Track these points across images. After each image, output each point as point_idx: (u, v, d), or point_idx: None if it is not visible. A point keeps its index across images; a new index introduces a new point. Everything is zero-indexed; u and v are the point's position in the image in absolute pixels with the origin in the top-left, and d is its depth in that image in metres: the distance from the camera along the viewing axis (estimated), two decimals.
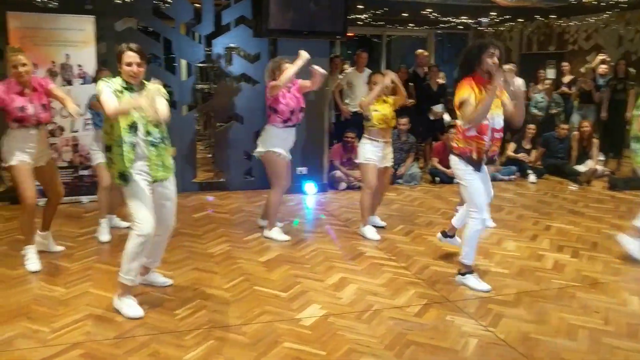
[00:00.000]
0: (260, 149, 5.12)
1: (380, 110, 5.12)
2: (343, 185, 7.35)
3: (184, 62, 7.86)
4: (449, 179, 7.76)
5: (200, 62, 7.35)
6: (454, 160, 4.10)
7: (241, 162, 7.17)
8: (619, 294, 4.10)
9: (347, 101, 7.96)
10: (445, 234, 4.67)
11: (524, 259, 4.79)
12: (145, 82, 3.61)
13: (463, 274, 4.21)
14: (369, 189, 5.26)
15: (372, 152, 5.17)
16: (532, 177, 8.07)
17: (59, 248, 4.75)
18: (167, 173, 3.66)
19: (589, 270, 4.57)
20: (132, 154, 3.47)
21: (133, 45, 3.51)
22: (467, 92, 3.90)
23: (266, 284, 4.17)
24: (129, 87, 3.51)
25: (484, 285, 4.12)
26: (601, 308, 3.86)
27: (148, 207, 3.53)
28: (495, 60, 3.90)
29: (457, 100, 3.96)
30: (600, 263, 4.73)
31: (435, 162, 7.91)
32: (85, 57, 6.14)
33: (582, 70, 9.72)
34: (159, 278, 4.09)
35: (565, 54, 12.70)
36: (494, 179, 7.84)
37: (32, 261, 4.35)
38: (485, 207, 4.12)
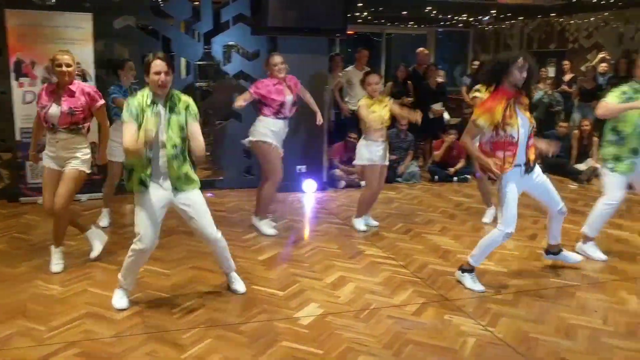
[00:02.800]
0: (250, 137, 5.22)
1: (377, 112, 5.18)
2: (342, 183, 7.34)
3: (183, 60, 7.83)
4: (448, 178, 7.76)
5: (199, 60, 7.34)
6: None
7: (240, 160, 7.15)
8: (617, 293, 4.09)
9: (347, 99, 7.95)
10: (548, 252, 4.60)
11: (523, 258, 4.78)
12: (176, 92, 3.59)
13: (463, 271, 4.20)
14: (371, 189, 5.38)
15: (374, 153, 5.24)
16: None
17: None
18: (192, 185, 3.64)
19: (588, 269, 4.56)
20: (150, 168, 3.49)
21: (160, 54, 3.51)
22: (478, 113, 3.87)
23: (264, 282, 4.16)
24: (153, 102, 3.47)
25: (478, 286, 4.11)
26: (600, 307, 3.85)
27: (153, 222, 3.52)
28: (525, 74, 3.81)
29: (474, 116, 3.90)
30: (599, 262, 4.71)
31: (436, 155, 7.90)
32: (84, 55, 6.12)
33: (583, 68, 9.71)
34: (232, 284, 3.99)
35: (566, 52, 12.69)
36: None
37: (55, 262, 4.32)
38: (513, 223, 3.97)
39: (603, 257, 4.74)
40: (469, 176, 7.92)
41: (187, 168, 3.61)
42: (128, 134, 3.41)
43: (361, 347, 3.26)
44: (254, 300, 3.84)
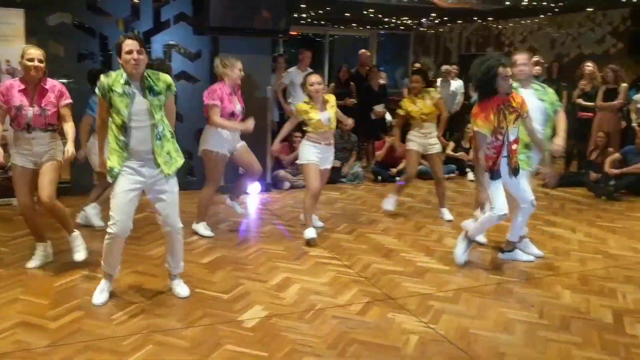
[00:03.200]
0: (200, 147, 5.21)
1: (315, 118, 5.03)
2: (287, 184, 7.32)
3: None
4: (391, 178, 7.87)
5: None
6: None
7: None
8: (552, 287, 4.25)
9: (290, 100, 7.93)
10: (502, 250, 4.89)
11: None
12: (152, 72, 3.60)
13: (469, 242, 4.62)
14: (311, 190, 5.16)
15: (312, 153, 5.09)
16: (470, 175, 8.27)
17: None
18: (176, 164, 3.74)
19: (524, 265, 4.71)
20: (125, 152, 3.53)
21: (130, 34, 3.61)
22: (482, 124, 4.21)
23: (207, 286, 4.09)
24: (127, 82, 3.49)
25: (528, 256, 4.70)
26: (536, 302, 3.99)
27: (126, 207, 3.57)
28: (511, 81, 4.17)
29: (473, 127, 4.35)
30: (535, 258, 4.87)
31: (379, 156, 8.01)
32: (14, 52, 5.83)
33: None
34: (176, 287, 3.92)
35: (475, 63, 13.09)
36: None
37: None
38: (504, 207, 4.34)
39: (530, 257, 4.85)
40: None
41: (171, 147, 3.68)
42: (99, 111, 3.66)
43: (306, 348, 3.25)
44: (197, 304, 3.77)
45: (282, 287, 4.12)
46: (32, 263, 4.33)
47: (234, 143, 5.18)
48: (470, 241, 4.68)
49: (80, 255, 4.36)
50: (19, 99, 4.07)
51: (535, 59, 9.51)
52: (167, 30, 6.81)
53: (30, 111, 4.08)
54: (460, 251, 4.62)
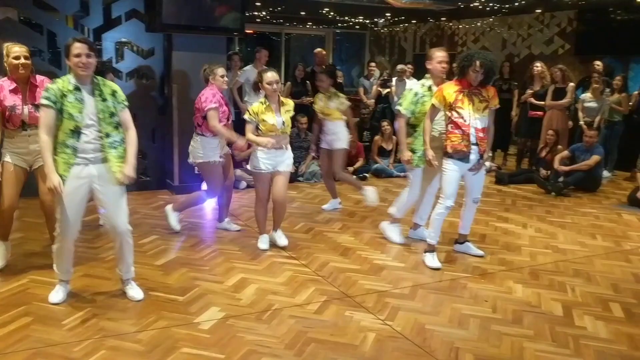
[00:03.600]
0: (195, 159, 5.09)
1: (268, 121, 4.65)
2: (243, 184, 7.26)
3: None
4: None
5: None
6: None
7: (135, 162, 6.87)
8: (505, 282, 4.35)
9: (246, 99, 7.87)
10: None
11: (418, 253, 4.94)
12: (98, 78, 3.57)
13: (425, 252, 4.69)
14: (259, 200, 4.90)
15: (262, 161, 4.72)
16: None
17: None
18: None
19: (478, 261, 4.81)
20: (73, 159, 3.46)
21: (80, 37, 3.56)
22: (436, 96, 4.56)
23: (162, 288, 4.02)
24: (77, 88, 3.43)
25: (436, 263, 4.60)
26: (490, 297, 4.07)
27: (74, 209, 3.51)
28: (479, 77, 4.41)
29: (432, 99, 4.61)
30: (489, 254, 4.98)
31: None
32: None
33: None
34: (129, 290, 3.84)
35: (455, 55, 13.33)
36: (390, 175, 8.13)
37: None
38: (451, 197, 4.55)
39: (401, 240, 5.19)
40: (367, 174, 8.13)
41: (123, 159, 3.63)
42: (44, 119, 3.42)
43: (263, 348, 3.23)
44: (152, 307, 3.70)
45: (238, 287, 4.09)
46: None
47: (224, 148, 5.13)
48: (396, 220, 5.19)
49: None
50: (11, 99, 4.02)
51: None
52: (118, 27, 6.65)
53: (25, 109, 4.04)
54: (428, 261, 4.66)
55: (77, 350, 3.13)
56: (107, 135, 3.52)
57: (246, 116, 4.72)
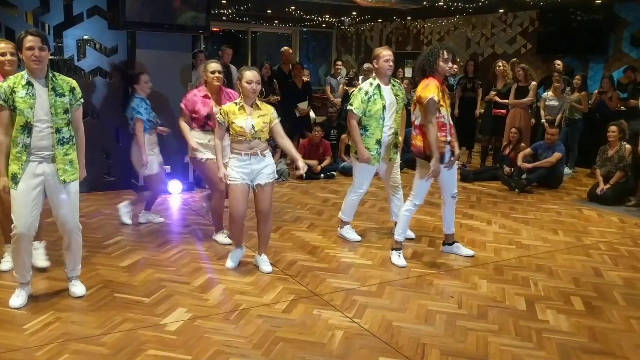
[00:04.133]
0: (188, 154, 5.04)
1: (237, 123, 4.13)
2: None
3: None
4: (315, 175, 7.91)
5: (51, 55, 6.81)
6: (416, 156, 4.61)
7: (99, 161, 6.76)
8: (470, 278, 4.42)
9: None
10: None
11: (385, 250, 4.98)
12: (57, 74, 3.53)
13: (392, 249, 4.73)
14: (232, 216, 4.28)
15: (235, 169, 4.19)
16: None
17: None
18: (75, 175, 3.61)
19: (444, 257, 4.87)
20: (25, 155, 3.42)
21: (32, 30, 3.46)
22: (433, 91, 4.33)
23: (128, 289, 3.96)
24: (29, 83, 3.38)
25: (402, 262, 4.62)
26: (456, 293, 4.13)
27: (27, 208, 3.47)
28: (451, 65, 4.43)
29: (423, 97, 4.36)
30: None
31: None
32: None
33: None
34: (72, 287, 3.83)
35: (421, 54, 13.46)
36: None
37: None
38: (422, 197, 4.64)
39: (358, 238, 5.26)
40: (335, 173, 8.15)
41: (74, 155, 3.60)
42: (0, 121, 3.40)
43: (231, 349, 3.21)
44: (117, 309, 3.64)
45: (205, 288, 4.05)
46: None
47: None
48: (346, 224, 5.27)
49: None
50: None
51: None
52: (80, 25, 6.51)
53: None
54: (394, 259, 4.70)
55: (39, 355, 3.06)
56: (58, 131, 3.48)
57: (217, 116, 4.30)
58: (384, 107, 4.89)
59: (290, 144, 4.48)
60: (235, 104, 4.23)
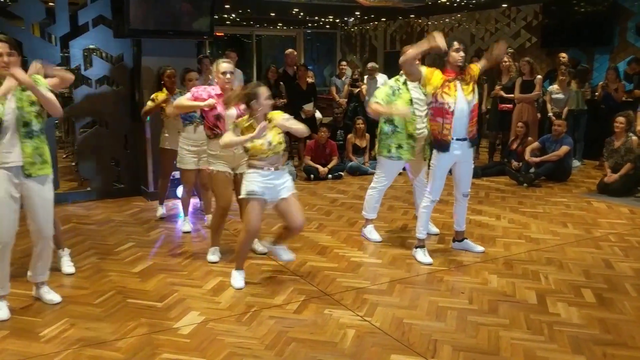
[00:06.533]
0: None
1: (257, 141, 3.93)
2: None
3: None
4: (322, 178, 7.94)
5: (58, 65, 6.88)
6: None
7: (108, 169, 6.83)
8: (480, 274, 4.43)
9: None
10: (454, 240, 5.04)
11: (395, 248, 5.01)
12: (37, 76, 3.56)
13: (415, 248, 4.72)
14: (248, 230, 4.07)
15: (256, 184, 3.98)
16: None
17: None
18: (46, 169, 3.58)
19: (454, 254, 4.88)
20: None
21: (1, 36, 3.48)
22: (425, 85, 4.49)
23: (140, 295, 4.00)
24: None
25: (427, 259, 4.62)
26: (466, 289, 4.14)
27: (10, 217, 3.47)
28: (462, 54, 4.38)
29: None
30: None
31: (307, 160, 8.07)
32: None
33: None
34: (47, 295, 3.85)
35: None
36: (365, 172, 8.17)
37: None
38: (438, 192, 4.66)
39: (378, 238, 5.22)
40: (342, 173, 8.18)
41: (44, 149, 3.57)
42: None
43: (244, 350, 3.24)
44: (131, 315, 3.68)
45: (217, 291, 4.09)
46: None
47: (232, 159, 4.58)
48: (369, 222, 5.24)
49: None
50: None
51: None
52: (85, 34, 6.58)
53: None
54: (420, 257, 4.69)
55: None
56: (25, 125, 3.47)
57: (230, 126, 4.13)
58: (410, 101, 4.90)
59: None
60: (244, 120, 4.02)
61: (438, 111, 4.46)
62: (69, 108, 6.67)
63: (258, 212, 4.03)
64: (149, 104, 5.69)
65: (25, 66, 3.65)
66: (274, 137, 4.00)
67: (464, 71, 4.49)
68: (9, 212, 3.49)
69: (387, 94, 4.91)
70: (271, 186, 4.00)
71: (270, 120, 4.02)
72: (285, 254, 4.35)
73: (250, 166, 4.04)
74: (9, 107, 3.43)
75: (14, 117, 3.44)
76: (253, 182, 3.98)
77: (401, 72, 4.99)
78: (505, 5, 11.79)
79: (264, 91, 3.97)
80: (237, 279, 4.17)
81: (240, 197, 4.08)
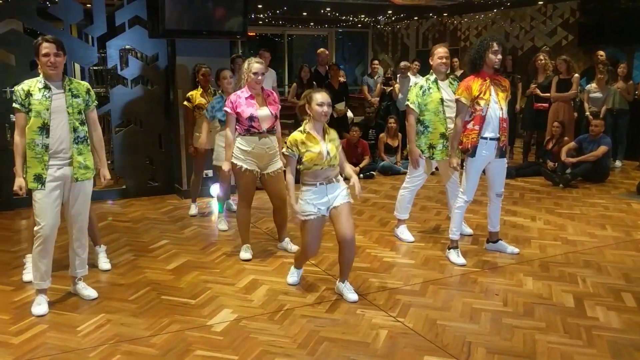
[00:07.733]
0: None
1: (313, 150, 3.72)
2: None
3: (77, 66, 7.46)
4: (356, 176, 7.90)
5: (94, 65, 7.03)
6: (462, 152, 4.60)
7: (143, 167, 6.93)
8: (515, 275, 4.35)
9: None
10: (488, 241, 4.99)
11: (428, 249, 4.97)
12: (73, 79, 3.75)
13: (448, 249, 4.70)
14: (305, 252, 4.03)
15: (310, 203, 3.79)
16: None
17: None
18: (88, 173, 3.76)
19: (488, 255, 4.81)
20: (47, 156, 3.58)
21: (49, 37, 3.61)
22: (461, 92, 4.45)
23: (174, 292, 4.05)
24: (46, 87, 3.57)
25: (461, 260, 4.58)
26: (500, 290, 4.08)
27: (52, 209, 3.61)
28: (499, 57, 4.35)
29: (457, 95, 4.53)
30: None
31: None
32: None
33: None
34: (84, 290, 3.95)
35: (459, 50, 13.32)
36: (397, 172, 8.12)
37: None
38: (471, 193, 4.62)
39: (411, 238, 5.18)
40: (374, 173, 8.14)
41: (88, 155, 3.76)
42: (16, 122, 3.60)
43: (276, 349, 3.25)
44: (165, 311, 3.73)
45: (250, 289, 4.11)
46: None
47: (261, 157, 4.66)
48: (401, 222, 5.21)
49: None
50: None
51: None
52: (122, 35, 6.69)
53: None
54: (453, 258, 4.66)
55: (92, 356, 3.16)
56: (74, 130, 3.65)
57: (284, 150, 3.85)
58: (441, 100, 4.88)
59: (348, 166, 4.10)
60: (301, 132, 3.78)
61: (476, 118, 4.43)
62: (105, 107, 6.79)
63: (316, 232, 3.87)
64: (186, 103, 5.94)
65: (65, 66, 3.74)
66: (331, 148, 3.76)
67: (498, 73, 4.47)
68: (50, 207, 3.60)
69: (417, 95, 4.89)
70: (326, 200, 3.81)
71: (328, 132, 3.82)
72: (350, 293, 3.94)
73: (303, 183, 3.84)
74: (58, 112, 3.59)
75: (66, 122, 3.62)
76: (307, 200, 3.79)
77: (431, 71, 4.96)
78: (541, 2, 11.57)
79: (317, 97, 3.72)
80: (294, 274, 4.25)
81: (297, 219, 3.84)
